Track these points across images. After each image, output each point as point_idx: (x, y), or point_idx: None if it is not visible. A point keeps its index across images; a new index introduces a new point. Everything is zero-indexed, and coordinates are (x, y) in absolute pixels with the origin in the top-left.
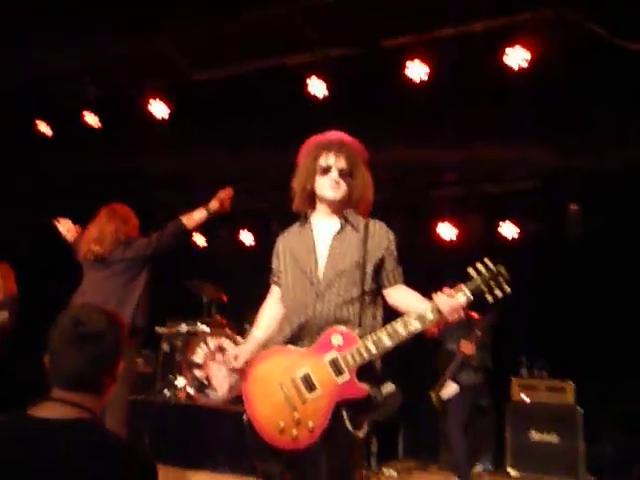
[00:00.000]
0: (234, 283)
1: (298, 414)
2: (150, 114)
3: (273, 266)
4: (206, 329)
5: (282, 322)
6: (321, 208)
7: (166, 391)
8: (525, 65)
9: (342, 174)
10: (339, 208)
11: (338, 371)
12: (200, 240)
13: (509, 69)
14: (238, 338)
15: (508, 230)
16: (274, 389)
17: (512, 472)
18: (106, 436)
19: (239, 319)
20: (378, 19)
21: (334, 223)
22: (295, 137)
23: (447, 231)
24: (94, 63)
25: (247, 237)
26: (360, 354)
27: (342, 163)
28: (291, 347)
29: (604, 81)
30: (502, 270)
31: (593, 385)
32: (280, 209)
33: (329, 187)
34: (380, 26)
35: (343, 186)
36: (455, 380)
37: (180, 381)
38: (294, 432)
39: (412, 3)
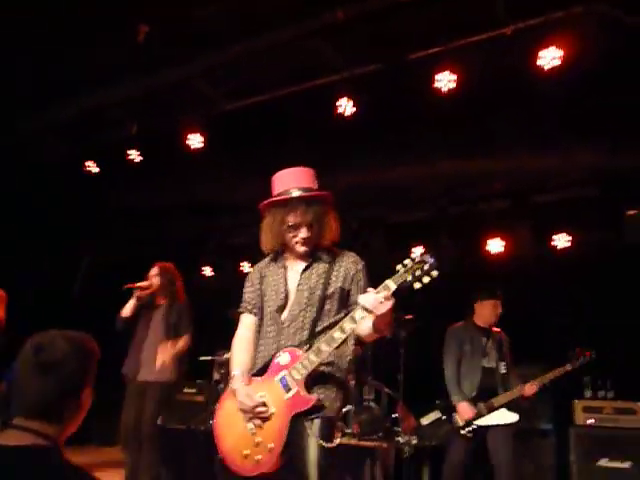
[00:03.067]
0: None
1: (259, 438)
2: (188, 147)
3: (245, 295)
4: None
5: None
6: (292, 252)
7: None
8: (558, 63)
9: (310, 228)
10: (309, 252)
11: (288, 387)
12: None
13: (543, 71)
14: None
15: (561, 241)
16: (236, 419)
17: None
18: (59, 464)
19: None
20: (402, 33)
21: (304, 262)
22: (330, 158)
23: (496, 245)
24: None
25: None
26: (304, 366)
27: (309, 217)
28: (253, 379)
29: None
30: (426, 258)
31: None
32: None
33: (300, 244)
34: (405, 40)
35: (312, 238)
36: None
37: None
38: (257, 456)
39: (436, 13)
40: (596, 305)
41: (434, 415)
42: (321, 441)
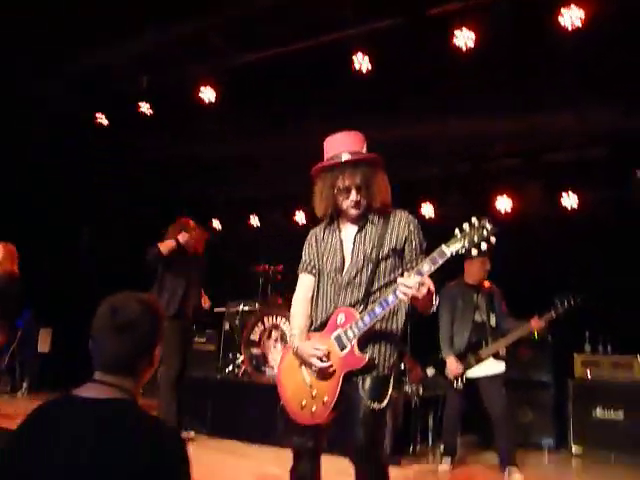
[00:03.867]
0: (288, 263)
1: (315, 390)
2: (200, 100)
3: (304, 256)
4: (262, 308)
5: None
6: (345, 216)
7: (227, 368)
8: (579, 24)
9: (360, 191)
10: (361, 215)
11: (342, 346)
12: (255, 221)
13: (563, 30)
14: None
15: (569, 200)
16: (296, 372)
17: (576, 449)
18: (140, 415)
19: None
20: None
21: (356, 225)
22: (343, 115)
23: (505, 203)
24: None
25: (301, 217)
26: (357, 326)
27: (358, 180)
28: (311, 334)
29: None
30: (485, 224)
31: None
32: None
33: (351, 207)
34: None
35: (363, 201)
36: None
37: (240, 359)
38: (313, 407)
39: None
40: (600, 264)
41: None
42: (369, 402)
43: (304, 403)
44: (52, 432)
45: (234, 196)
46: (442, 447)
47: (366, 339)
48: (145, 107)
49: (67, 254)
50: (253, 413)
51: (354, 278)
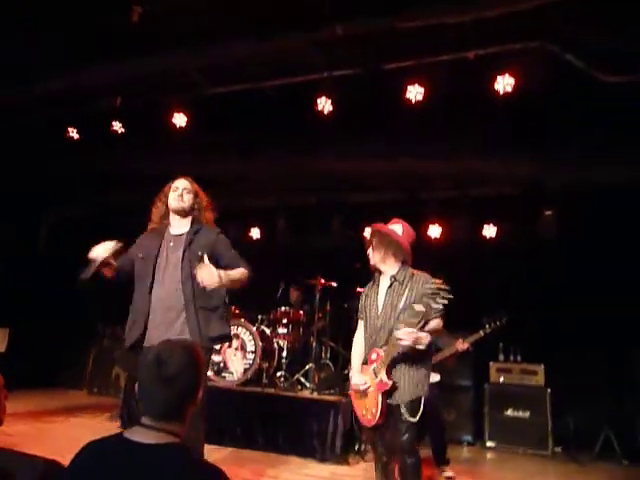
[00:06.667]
0: None
1: (367, 404)
2: (172, 124)
3: (360, 307)
4: None
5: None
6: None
7: None
8: (510, 90)
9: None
10: (391, 275)
11: (376, 375)
12: None
13: (496, 93)
14: (251, 326)
15: (489, 231)
16: (359, 392)
17: (490, 444)
18: (188, 458)
19: (252, 309)
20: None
21: (387, 281)
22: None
23: (435, 231)
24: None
25: (255, 232)
26: (382, 361)
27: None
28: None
29: (580, 106)
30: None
31: (560, 367)
32: (285, 208)
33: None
34: (382, 52)
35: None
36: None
37: None
38: (368, 416)
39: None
40: (514, 285)
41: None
42: (406, 415)
43: (364, 412)
44: (104, 474)
45: None
46: None
47: (391, 368)
48: (117, 126)
49: (24, 255)
50: (216, 416)
51: (383, 325)
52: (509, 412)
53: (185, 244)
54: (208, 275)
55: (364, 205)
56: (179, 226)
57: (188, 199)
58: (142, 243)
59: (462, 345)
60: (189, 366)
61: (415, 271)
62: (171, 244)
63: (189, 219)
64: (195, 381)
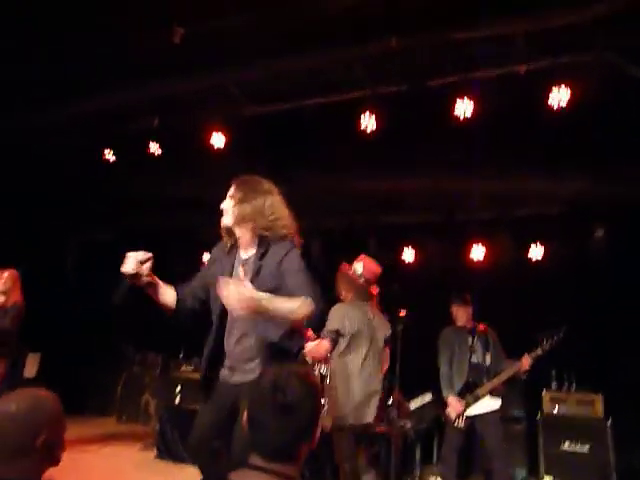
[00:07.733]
0: None
1: None
2: (210, 145)
3: None
4: None
5: None
6: None
7: None
8: (564, 105)
9: None
10: None
11: None
12: None
13: (549, 107)
14: None
15: (536, 252)
16: None
17: (547, 479)
18: None
19: None
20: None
21: None
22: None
23: (479, 252)
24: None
25: None
26: None
27: None
28: None
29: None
30: None
31: (620, 396)
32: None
33: None
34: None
35: None
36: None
37: None
38: None
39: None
40: (565, 309)
41: (421, 400)
42: None
43: None
44: None
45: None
46: None
47: None
48: (154, 147)
49: (54, 280)
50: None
51: None
52: (566, 446)
53: (252, 274)
54: (234, 295)
55: (400, 226)
56: (245, 245)
57: (232, 212)
58: (217, 263)
59: (527, 360)
60: (308, 398)
61: None
62: (240, 273)
63: (251, 235)
64: (314, 414)
